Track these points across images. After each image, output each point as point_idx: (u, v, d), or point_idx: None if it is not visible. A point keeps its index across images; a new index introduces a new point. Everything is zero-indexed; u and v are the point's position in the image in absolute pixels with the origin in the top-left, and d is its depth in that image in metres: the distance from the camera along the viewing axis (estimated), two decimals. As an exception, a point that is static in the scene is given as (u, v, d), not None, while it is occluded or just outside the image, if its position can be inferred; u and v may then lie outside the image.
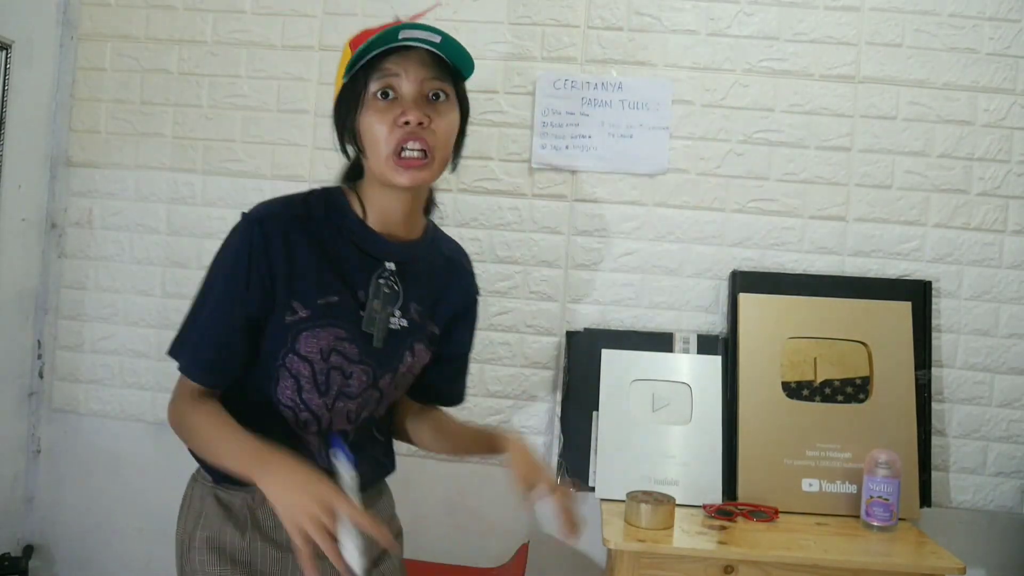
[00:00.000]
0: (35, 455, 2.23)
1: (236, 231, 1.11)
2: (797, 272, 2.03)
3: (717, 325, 2.06)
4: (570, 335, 2.04)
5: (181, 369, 1.14)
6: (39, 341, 2.22)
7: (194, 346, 1.13)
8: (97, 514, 2.21)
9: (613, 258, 2.08)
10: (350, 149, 1.14)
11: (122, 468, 2.20)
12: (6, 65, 2.03)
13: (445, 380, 1.33)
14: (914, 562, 1.64)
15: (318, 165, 2.14)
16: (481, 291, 1.35)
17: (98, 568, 2.21)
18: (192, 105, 2.18)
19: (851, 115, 2.04)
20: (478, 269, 2.12)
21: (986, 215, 2.02)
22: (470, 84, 2.18)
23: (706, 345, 2.01)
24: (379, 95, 1.07)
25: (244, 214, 1.12)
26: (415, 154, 1.06)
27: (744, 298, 1.99)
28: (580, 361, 2.02)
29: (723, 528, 1.74)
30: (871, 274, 2.03)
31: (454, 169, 1.18)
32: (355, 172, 1.18)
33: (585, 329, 2.05)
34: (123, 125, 2.20)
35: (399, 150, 1.06)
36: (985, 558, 2.00)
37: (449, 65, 1.10)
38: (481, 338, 2.08)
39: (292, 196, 1.16)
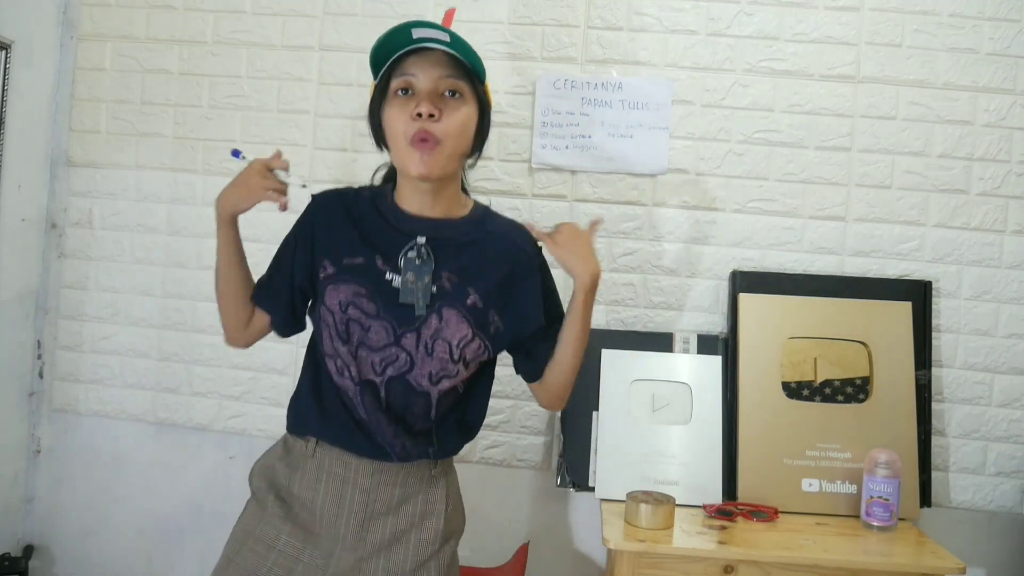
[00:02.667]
0: (35, 455, 2.23)
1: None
2: (797, 272, 2.03)
3: (717, 325, 2.06)
4: (570, 335, 2.04)
5: (255, 299, 1.36)
6: (39, 341, 2.22)
7: (265, 283, 1.36)
8: (97, 514, 2.21)
9: (613, 258, 2.08)
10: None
11: (122, 468, 2.20)
12: (6, 65, 2.03)
13: (535, 358, 1.35)
14: (914, 562, 1.64)
15: (318, 165, 2.14)
16: (534, 254, 1.32)
17: (98, 568, 2.21)
18: (192, 105, 2.18)
19: (851, 115, 2.04)
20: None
21: (986, 215, 2.02)
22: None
23: (706, 345, 2.01)
24: (399, 92, 1.21)
25: (312, 194, 1.32)
26: (426, 136, 1.17)
27: (744, 298, 1.99)
28: (580, 361, 2.02)
29: (723, 528, 1.75)
30: (871, 274, 2.03)
31: (473, 165, 1.32)
32: (393, 174, 1.33)
33: (585, 329, 2.05)
34: (123, 125, 2.20)
35: (413, 140, 1.18)
36: (985, 558, 2.00)
37: (465, 65, 1.21)
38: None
39: (349, 186, 1.35)
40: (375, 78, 1.25)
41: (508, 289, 1.29)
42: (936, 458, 2.00)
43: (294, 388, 1.36)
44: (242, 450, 2.15)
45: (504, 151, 2.09)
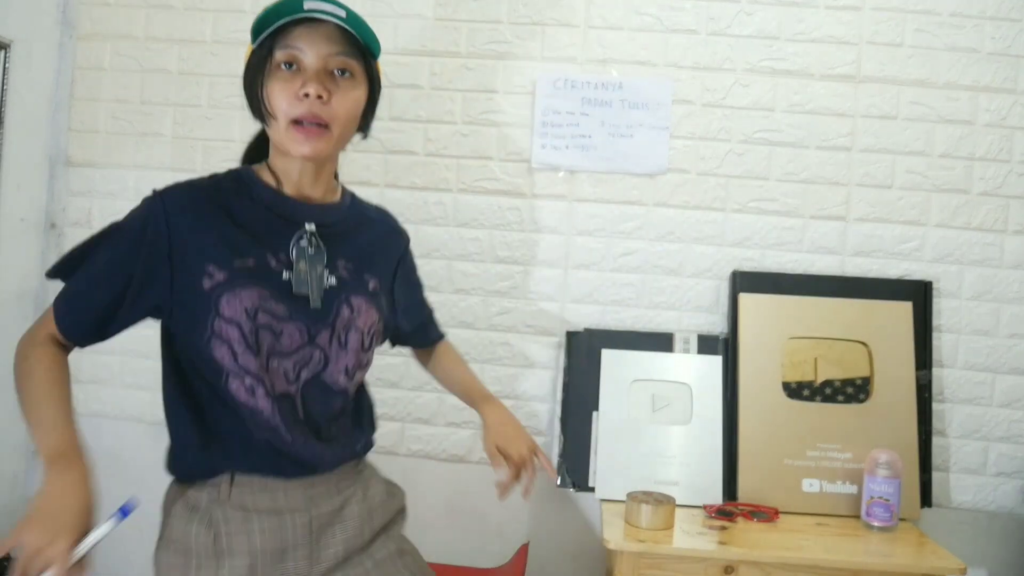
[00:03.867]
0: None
1: (141, 203, 1.12)
2: (797, 272, 2.03)
3: (717, 325, 2.06)
4: (570, 335, 2.04)
5: (56, 311, 1.16)
6: (39, 341, 2.22)
7: (76, 295, 1.15)
8: (97, 514, 2.20)
9: (613, 258, 2.08)
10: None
11: (122, 468, 2.20)
12: (6, 65, 2.02)
13: (416, 328, 1.46)
14: (914, 562, 1.64)
15: (318, 165, 2.14)
16: (407, 235, 1.37)
17: (98, 568, 2.20)
18: (192, 105, 2.18)
19: (851, 115, 2.03)
20: (478, 269, 2.12)
21: (987, 215, 2.02)
22: (472, 83, 2.18)
23: (706, 345, 2.01)
24: (283, 65, 1.09)
25: (153, 190, 1.13)
26: (312, 125, 1.09)
27: (744, 298, 1.99)
28: (580, 361, 2.02)
29: (723, 528, 1.74)
30: (871, 274, 2.03)
31: (364, 137, 1.23)
32: (257, 153, 1.22)
33: (585, 329, 2.05)
34: (123, 125, 2.20)
35: (298, 120, 1.08)
36: (985, 558, 2.00)
37: (359, 43, 1.11)
38: (481, 338, 2.09)
39: (200, 177, 1.17)
40: (253, 42, 1.11)
41: (395, 273, 1.31)
42: (937, 458, 1.99)
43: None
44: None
45: (504, 151, 2.09)
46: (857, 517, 1.84)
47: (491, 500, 2.08)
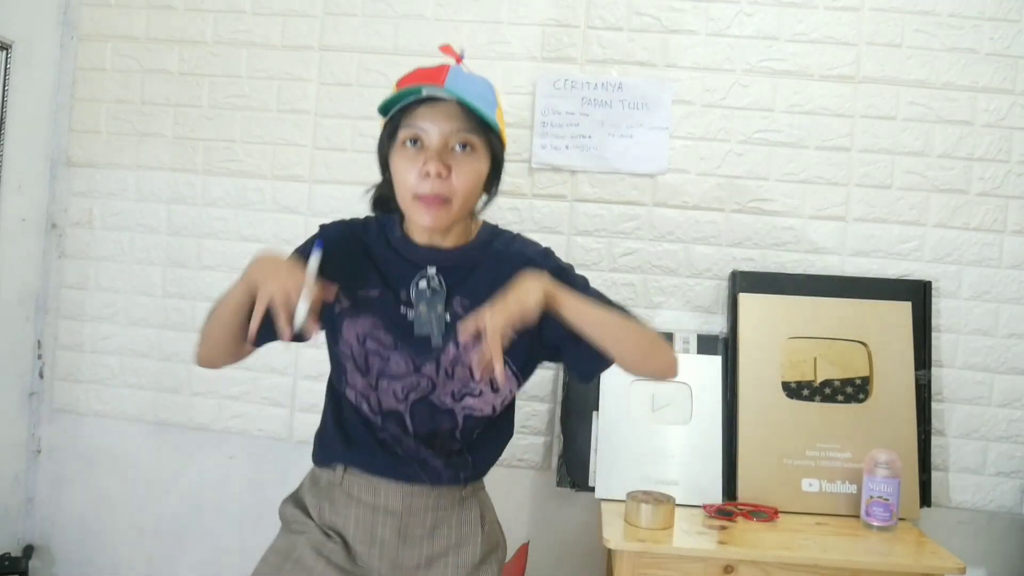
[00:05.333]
0: (35, 455, 2.23)
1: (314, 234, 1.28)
2: (797, 272, 2.03)
3: (717, 325, 2.06)
4: (570, 335, 2.04)
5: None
6: (39, 341, 2.22)
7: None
8: (97, 514, 2.21)
9: (613, 258, 2.08)
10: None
11: (122, 468, 2.21)
12: (6, 65, 2.03)
13: (570, 362, 1.30)
14: (914, 562, 1.64)
15: (318, 165, 2.14)
16: (567, 266, 1.29)
17: (98, 568, 2.21)
18: (192, 105, 2.18)
19: (851, 115, 2.04)
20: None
21: (986, 215, 2.02)
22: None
23: (706, 345, 2.01)
24: (408, 143, 1.17)
25: (320, 225, 1.30)
26: (434, 199, 1.16)
27: (744, 298, 1.99)
28: (580, 361, 2.02)
29: (723, 528, 1.75)
30: (871, 274, 2.03)
31: (487, 205, 1.30)
32: (384, 202, 1.30)
33: (585, 329, 2.05)
34: (123, 125, 2.20)
35: (421, 198, 1.16)
36: (985, 558, 2.00)
37: (478, 118, 1.17)
38: (481, 338, 2.09)
39: (357, 217, 1.32)
40: (383, 115, 1.21)
41: None
42: (936, 458, 2.00)
43: (319, 422, 1.35)
44: (242, 450, 2.15)
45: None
46: (856, 517, 1.84)
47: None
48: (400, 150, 1.18)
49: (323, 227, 1.29)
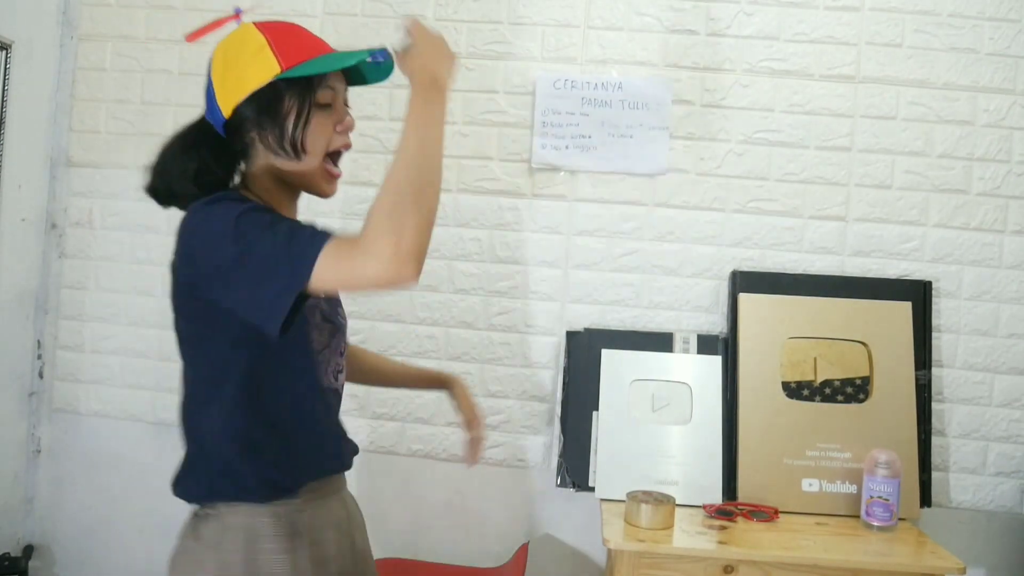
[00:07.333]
0: (35, 455, 2.23)
1: (224, 202, 1.10)
2: (797, 272, 2.03)
3: (717, 325, 2.06)
4: (570, 335, 2.04)
5: (319, 243, 0.98)
6: (39, 341, 2.22)
7: (312, 237, 1.00)
8: (97, 514, 2.21)
9: (613, 258, 2.08)
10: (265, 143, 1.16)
11: (122, 468, 2.20)
12: (6, 65, 2.03)
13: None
14: (914, 562, 1.64)
15: (318, 165, 2.14)
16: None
17: (98, 568, 2.21)
18: (192, 105, 2.15)
19: (851, 115, 2.04)
20: (478, 269, 2.12)
21: (986, 215, 2.02)
22: (472, 83, 2.18)
23: (706, 345, 2.01)
24: (322, 105, 1.14)
25: (217, 196, 1.14)
26: (338, 169, 1.17)
27: (744, 298, 1.99)
28: (580, 361, 2.02)
29: (723, 528, 1.75)
30: (871, 274, 2.03)
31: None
32: (219, 180, 1.23)
33: (585, 329, 2.05)
34: (123, 125, 2.20)
35: (337, 153, 1.16)
36: (985, 558, 2.00)
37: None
38: (481, 338, 2.09)
39: (231, 192, 1.19)
40: (286, 71, 1.12)
41: None
42: (936, 458, 2.00)
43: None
44: (242, 450, 2.15)
45: (504, 151, 2.09)
46: (857, 517, 1.84)
47: (491, 500, 2.09)
48: (315, 114, 1.12)
49: (225, 194, 1.16)
